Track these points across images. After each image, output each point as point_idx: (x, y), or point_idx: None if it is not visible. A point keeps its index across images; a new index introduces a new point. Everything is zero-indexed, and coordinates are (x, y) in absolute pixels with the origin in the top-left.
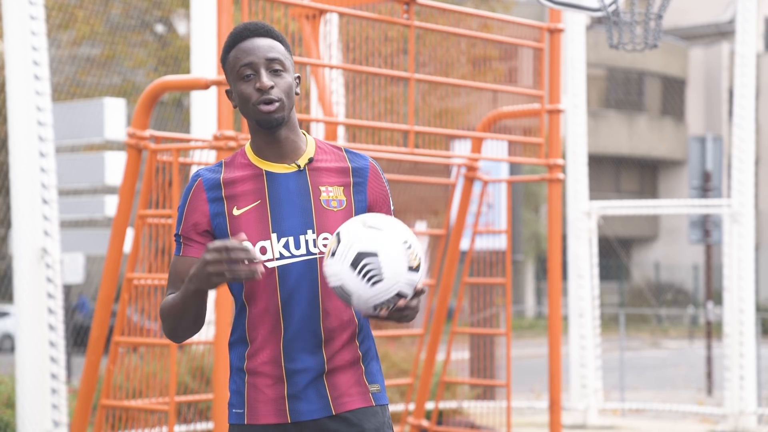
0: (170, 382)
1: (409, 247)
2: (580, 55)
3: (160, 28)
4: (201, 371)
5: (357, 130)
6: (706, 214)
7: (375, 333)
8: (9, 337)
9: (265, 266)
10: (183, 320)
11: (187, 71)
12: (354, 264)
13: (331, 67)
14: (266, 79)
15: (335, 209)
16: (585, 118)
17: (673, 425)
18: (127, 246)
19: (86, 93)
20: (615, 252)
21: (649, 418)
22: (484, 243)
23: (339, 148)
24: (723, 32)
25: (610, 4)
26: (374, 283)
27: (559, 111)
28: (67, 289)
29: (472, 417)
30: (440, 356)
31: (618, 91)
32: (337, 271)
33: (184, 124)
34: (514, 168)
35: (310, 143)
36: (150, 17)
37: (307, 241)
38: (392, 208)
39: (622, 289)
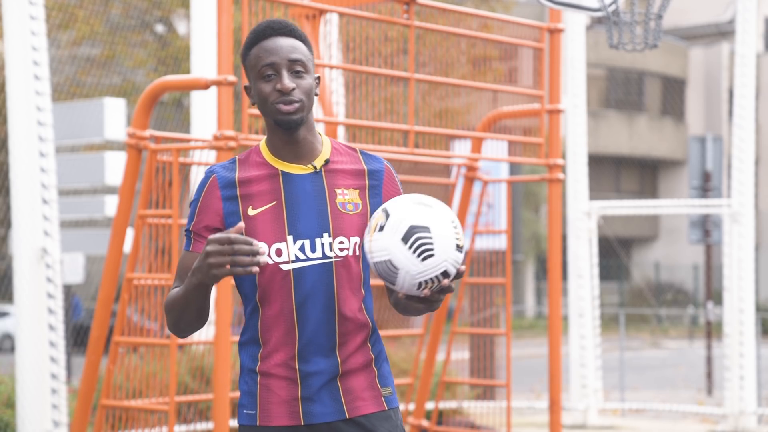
0: (170, 382)
1: (456, 226)
2: (580, 55)
3: (160, 28)
4: (201, 371)
5: (357, 130)
6: (706, 214)
7: None
8: (9, 337)
9: (280, 268)
10: (186, 314)
11: (187, 71)
12: (406, 237)
13: (331, 67)
14: (288, 81)
15: (351, 213)
16: (585, 118)
17: (673, 425)
18: (127, 246)
19: (86, 93)
20: (615, 252)
21: (649, 418)
22: (484, 243)
23: (354, 150)
24: (723, 32)
25: (610, 4)
26: (425, 258)
27: (559, 111)
28: (67, 289)
29: (472, 417)
30: (440, 356)
31: (618, 91)
32: (387, 245)
33: (184, 124)
34: (514, 168)
35: (326, 144)
36: (150, 17)
37: (323, 245)
38: None
39: (622, 289)
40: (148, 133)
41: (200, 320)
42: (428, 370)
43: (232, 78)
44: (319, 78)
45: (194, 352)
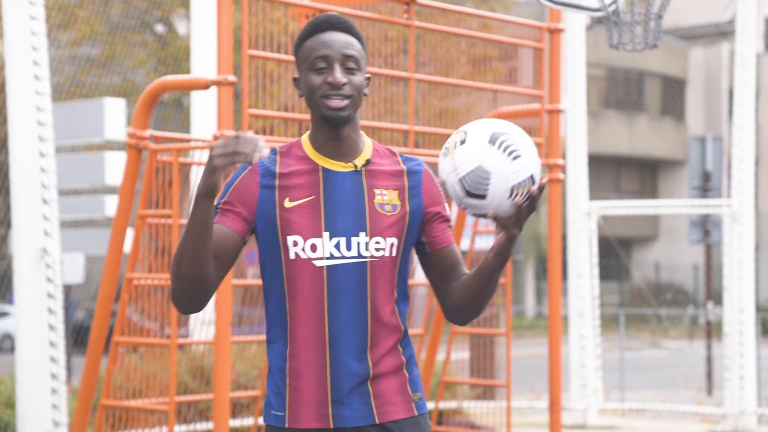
0: (170, 382)
1: (527, 136)
2: (580, 55)
3: (160, 28)
4: (201, 371)
5: None
6: (706, 214)
7: None
8: (9, 337)
9: (313, 264)
10: (186, 251)
11: (187, 71)
12: (492, 140)
13: None
14: (339, 75)
15: (389, 213)
16: (585, 118)
17: (673, 425)
18: (127, 246)
19: (86, 93)
20: (615, 252)
21: (649, 418)
22: (484, 243)
23: (393, 153)
24: (723, 32)
25: (610, 4)
26: (515, 158)
27: (559, 111)
28: (67, 289)
29: (472, 417)
30: (440, 356)
31: (618, 91)
32: (475, 151)
33: (184, 124)
34: None
35: (367, 144)
36: (150, 17)
37: (358, 244)
38: (449, 212)
39: (622, 289)
40: (148, 133)
41: (200, 261)
42: (428, 370)
43: (232, 78)
44: (369, 78)
45: (194, 352)
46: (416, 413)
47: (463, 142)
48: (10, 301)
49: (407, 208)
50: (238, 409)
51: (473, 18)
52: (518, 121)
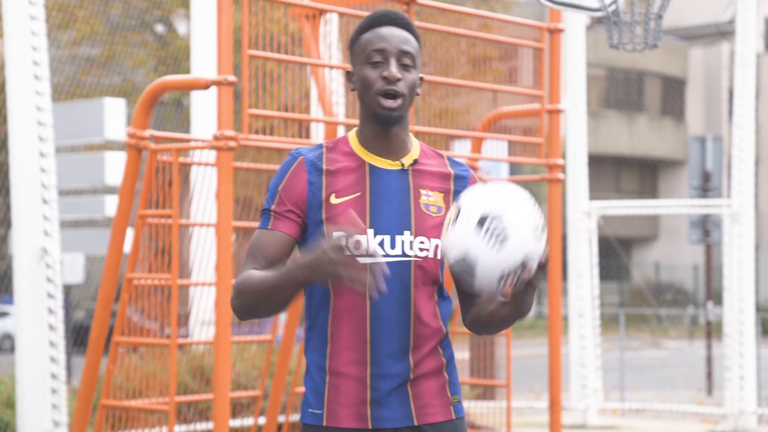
0: (170, 382)
1: (533, 212)
2: (580, 55)
3: (160, 28)
4: (201, 371)
5: None
6: (706, 214)
7: None
8: (9, 337)
9: (356, 261)
10: (269, 303)
11: (187, 71)
12: (480, 225)
13: (331, 67)
14: (395, 69)
15: (434, 214)
16: (585, 118)
17: (673, 425)
18: (127, 246)
19: (86, 93)
20: (615, 252)
21: (649, 418)
22: None
23: (441, 155)
24: (723, 32)
25: (610, 4)
26: (501, 243)
27: (559, 111)
28: (67, 289)
29: (472, 417)
30: None
31: (618, 91)
32: (460, 237)
33: (184, 124)
34: (514, 168)
35: (415, 144)
36: (150, 17)
37: (403, 242)
38: None
39: (622, 289)
40: (148, 133)
41: (278, 311)
42: None
43: (232, 78)
44: (422, 78)
45: (194, 352)
46: (454, 417)
47: (454, 221)
48: (7, 302)
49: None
50: (238, 409)
51: (473, 18)
52: (518, 121)
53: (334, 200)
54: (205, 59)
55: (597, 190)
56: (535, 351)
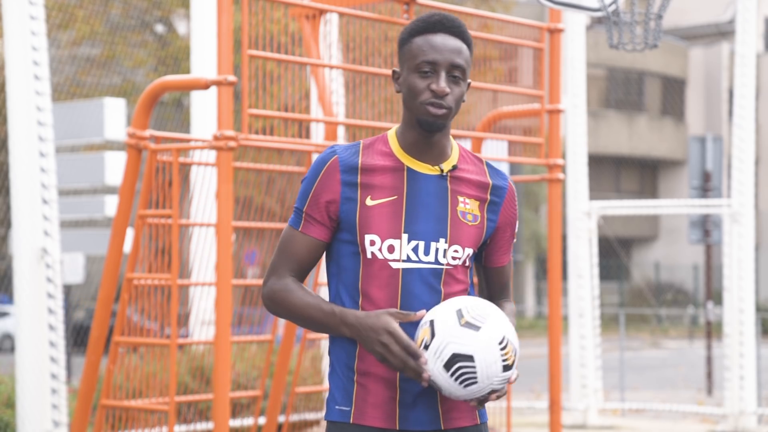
0: (170, 382)
1: (505, 347)
2: (580, 55)
3: (160, 28)
4: (201, 371)
5: (357, 130)
6: (706, 214)
7: None
8: (9, 337)
9: (389, 265)
10: (301, 324)
11: (187, 71)
12: (448, 366)
13: (331, 67)
14: (444, 84)
15: (470, 223)
16: (585, 118)
17: (673, 425)
18: (127, 246)
19: (86, 93)
20: (615, 252)
21: (649, 418)
22: None
23: (481, 161)
24: (723, 32)
25: (610, 4)
26: (467, 386)
27: (559, 111)
28: (67, 289)
29: None
30: None
31: (618, 91)
32: (430, 368)
33: (184, 124)
34: (514, 168)
35: (455, 150)
36: (150, 17)
37: (437, 249)
38: (516, 230)
39: (622, 289)
40: (148, 133)
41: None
42: None
43: (232, 78)
44: (469, 84)
45: (194, 352)
46: (479, 422)
47: (426, 347)
48: (3, 302)
49: (485, 222)
50: (238, 409)
51: (473, 18)
52: (518, 121)
53: (369, 202)
54: (205, 59)
55: (597, 190)
56: (535, 351)
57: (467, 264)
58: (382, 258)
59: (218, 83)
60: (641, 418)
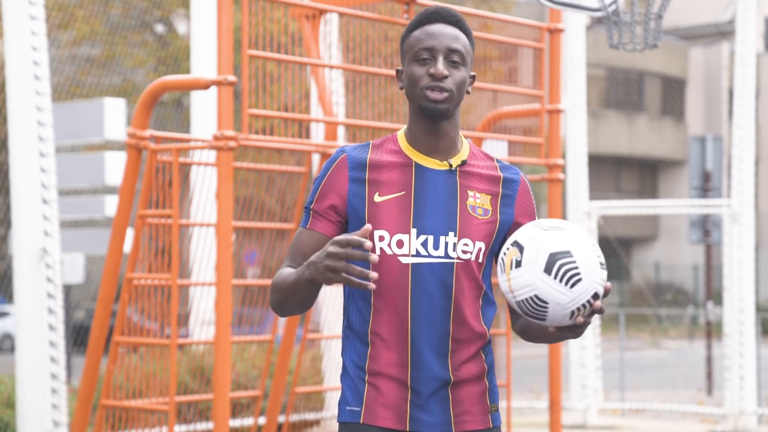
0: (170, 382)
1: (594, 244)
2: (580, 55)
3: (160, 28)
4: (201, 371)
5: (357, 130)
6: (706, 214)
7: None
8: (9, 337)
9: (398, 261)
10: (290, 300)
11: (187, 71)
12: (548, 267)
13: (331, 67)
14: (441, 67)
15: (480, 217)
16: (585, 118)
17: (673, 425)
18: (127, 246)
19: (86, 93)
20: (615, 252)
21: (649, 418)
22: None
23: (491, 158)
24: (723, 32)
25: (610, 4)
26: (574, 284)
27: (559, 111)
28: (67, 289)
29: None
30: None
31: (618, 91)
32: (529, 280)
33: (184, 124)
34: None
35: (465, 146)
36: (150, 17)
37: (446, 243)
38: None
39: (622, 289)
40: (148, 133)
41: (303, 308)
42: None
43: (232, 78)
44: (474, 77)
45: (194, 352)
46: (491, 425)
47: (518, 264)
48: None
49: (498, 215)
50: (238, 409)
51: (473, 18)
52: (518, 121)
53: (377, 198)
54: (205, 59)
55: (597, 190)
56: (535, 351)
57: (481, 260)
58: (391, 253)
59: (218, 83)
60: (641, 418)
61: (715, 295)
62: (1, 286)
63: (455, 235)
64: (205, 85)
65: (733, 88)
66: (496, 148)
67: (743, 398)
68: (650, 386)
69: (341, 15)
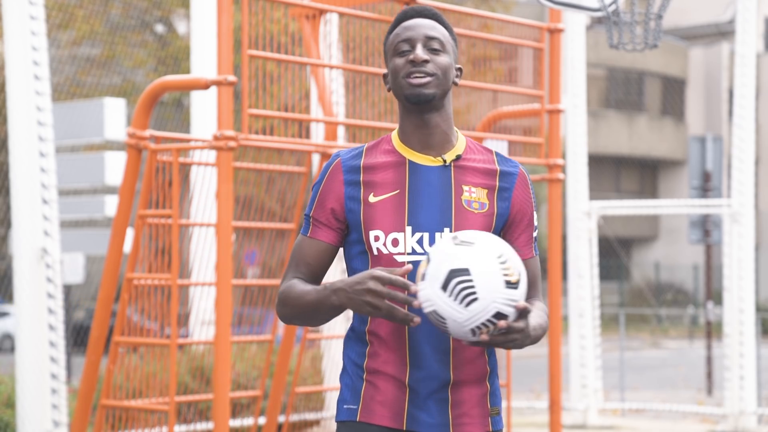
0: (170, 382)
1: (505, 262)
2: (580, 55)
3: (160, 28)
4: (201, 371)
5: (357, 130)
6: (706, 214)
7: None
8: (9, 337)
9: (395, 259)
10: (306, 317)
11: (187, 71)
12: (445, 284)
13: (331, 67)
14: (420, 52)
15: (476, 211)
16: (585, 118)
17: (673, 425)
18: (127, 246)
19: (86, 93)
20: (615, 252)
21: (649, 418)
22: None
23: (490, 151)
24: (723, 32)
25: (610, 4)
26: (468, 304)
27: (559, 111)
28: (67, 289)
29: None
30: None
31: (618, 91)
32: (429, 295)
33: (184, 124)
34: None
35: (460, 140)
36: (150, 17)
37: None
38: (536, 223)
39: (622, 289)
40: (148, 133)
41: (318, 325)
42: None
43: (232, 78)
44: (461, 69)
45: (194, 352)
46: (491, 429)
47: (423, 277)
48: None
49: (495, 208)
50: (238, 409)
51: (473, 18)
52: (518, 121)
53: (372, 199)
54: (205, 59)
55: (597, 190)
56: (535, 351)
57: None
58: (387, 253)
59: (218, 83)
60: (641, 418)
61: (715, 295)
62: (1, 286)
63: (450, 231)
64: (205, 85)
65: (733, 88)
66: (496, 148)
67: (743, 398)
68: (650, 386)
69: (341, 15)
